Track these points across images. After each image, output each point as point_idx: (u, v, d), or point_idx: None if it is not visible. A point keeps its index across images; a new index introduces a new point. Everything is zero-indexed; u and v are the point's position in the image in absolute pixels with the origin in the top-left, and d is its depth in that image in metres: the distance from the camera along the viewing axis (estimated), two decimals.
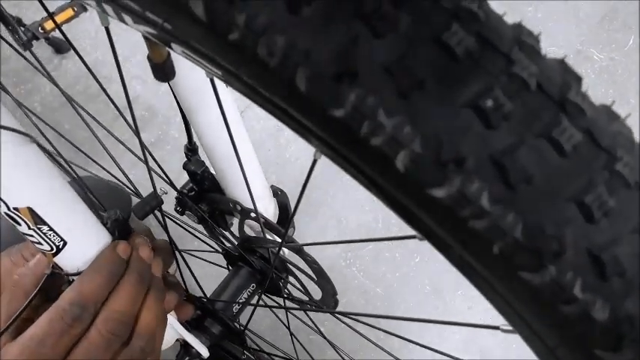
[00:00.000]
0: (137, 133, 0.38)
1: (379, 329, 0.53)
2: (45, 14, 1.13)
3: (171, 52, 0.36)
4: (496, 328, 0.28)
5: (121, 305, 0.37)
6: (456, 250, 0.20)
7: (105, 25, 0.29)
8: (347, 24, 0.16)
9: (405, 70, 0.16)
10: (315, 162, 0.26)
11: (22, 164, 0.33)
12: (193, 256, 0.66)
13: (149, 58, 0.29)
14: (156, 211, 0.50)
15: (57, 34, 1.26)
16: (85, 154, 0.58)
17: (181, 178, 0.67)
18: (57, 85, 0.43)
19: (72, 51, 1.39)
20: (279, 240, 0.56)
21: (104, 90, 0.44)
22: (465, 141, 0.16)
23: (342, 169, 0.23)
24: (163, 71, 0.29)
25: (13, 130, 0.31)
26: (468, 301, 1.11)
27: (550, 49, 1.37)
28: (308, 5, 0.16)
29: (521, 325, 0.22)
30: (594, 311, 0.17)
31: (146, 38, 0.29)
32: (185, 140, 0.60)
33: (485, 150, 0.16)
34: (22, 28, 1.10)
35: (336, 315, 0.54)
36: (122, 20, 0.25)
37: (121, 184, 0.62)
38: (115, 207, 0.44)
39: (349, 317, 0.53)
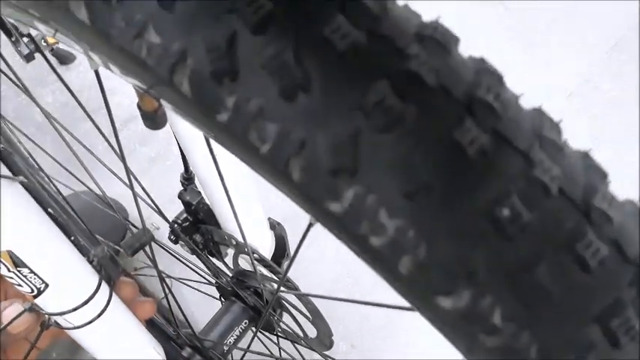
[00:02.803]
0: (124, 161, 0.36)
1: None
2: None
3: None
4: None
5: None
6: (464, 355, 0.18)
7: (94, 68, 0.27)
8: (347, 116, 0.15)
9: (410, 170, 0.14)
10: (310, 226, 0.24)
11: (2, 207, 0.32)
12: (185, 284, 0.64)
13: (139, 106, 0.27)
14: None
15: (61, 45, 1.25)
16: (77, 178, 0.56)
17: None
18: (42, 109, 0.41)
19: (76, 62, 1.38)
20: (275, 278, 0.53)
21: (90, 117, 0.42)
22: (477, 252, 0.14)
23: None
24: (154, 120, 0.27)
25: None
26: None
27: (559, 77, 1.35)
28: (304, 93, 0.15)
29: None
30: None
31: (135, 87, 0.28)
32: None
33: (499, 263, 0.14)
34: (26, 39, 1.09)
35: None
36: (109, 69, 0.24)
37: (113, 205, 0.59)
38: (108, 231, 0.42)
39: None
